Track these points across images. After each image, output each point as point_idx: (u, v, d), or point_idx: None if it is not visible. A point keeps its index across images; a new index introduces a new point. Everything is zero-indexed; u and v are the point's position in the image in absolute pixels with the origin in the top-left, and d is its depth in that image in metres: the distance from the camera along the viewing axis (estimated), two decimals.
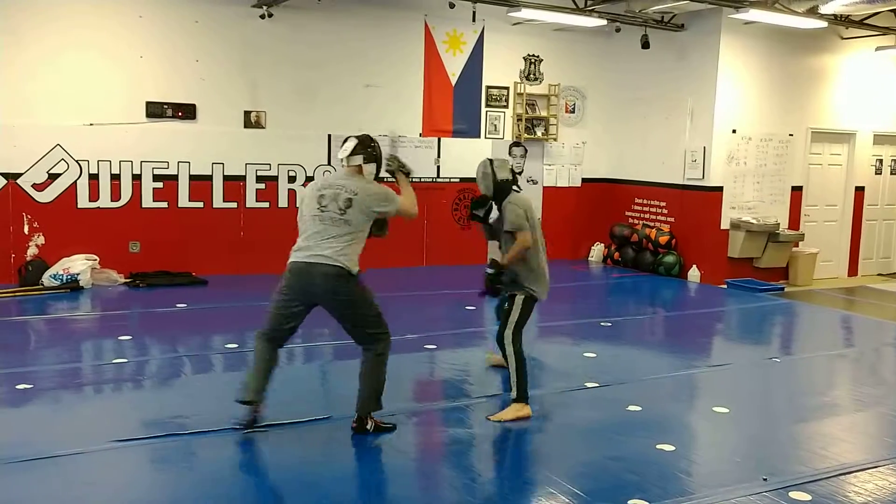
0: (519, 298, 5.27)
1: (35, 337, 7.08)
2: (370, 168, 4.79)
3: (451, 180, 10.94)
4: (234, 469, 4.33)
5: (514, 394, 5.13)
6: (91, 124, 8.84)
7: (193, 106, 9.29)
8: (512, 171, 5.53)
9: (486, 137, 11.11)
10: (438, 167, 10.83)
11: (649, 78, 11.24)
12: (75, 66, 8.71)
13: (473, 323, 8.18)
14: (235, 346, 6.58)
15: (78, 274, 8.56)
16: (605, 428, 4.99)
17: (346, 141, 4.85)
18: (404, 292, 9.03)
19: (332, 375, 6.18)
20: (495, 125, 11.16)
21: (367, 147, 4.79)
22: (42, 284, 8.49)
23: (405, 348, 6.71)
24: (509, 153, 11.29)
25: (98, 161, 8.93)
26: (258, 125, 9.67)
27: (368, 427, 4.67)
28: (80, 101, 8.77)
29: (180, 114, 9.23)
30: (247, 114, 9.60)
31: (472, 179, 10.74)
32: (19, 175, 8.62)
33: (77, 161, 8.84)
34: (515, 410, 5.08)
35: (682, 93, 10.74)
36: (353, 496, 3.95)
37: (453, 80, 10.78)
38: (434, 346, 6.74)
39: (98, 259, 8.82)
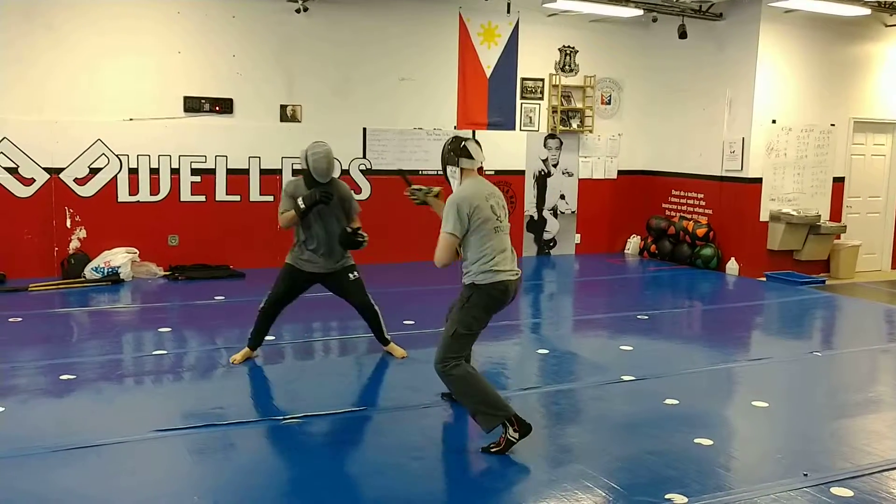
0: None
1: (77, 329, 7.21)
2: None
3: (486, 173, 10.87)
4: (272, 460, 4.37)
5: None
6: (131, 119, 8.97)
7: (230, 100, 9.38)
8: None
9: (521, 130, 11.07)
10: None
11: (687, 68, 11.10)
12: (115, 61, 8.84)
13: (508, 316, 8.14)
14: (272, 338, 6.63)
15: (119, 267, 8.70)
16: (642, 422, 4.95)
17: (464, 142, 4.60)
18: (433, 286, 9.01)
19: (367, 368, 6.20)
20: (530, 117, 11.11)
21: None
22: (84, 277, 8.65)
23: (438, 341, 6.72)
24: (544, 145, 11.23)
25: (137, 156, 9.06)
26: (294, 119, 9.73)
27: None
28: (120, 97, 8.90)
29: (217, 108, 9.32)
30: (283, 108, 9.67)
31: (508, 172, 10.94)
32: (61, 170, 8.78)
33: (117, 156, 8.98)
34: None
35: (721, 83, 10.59)
36: (389, 486, 3.97)
37: (488, 73, 10.75)
38: None
39: (138, 252, 8.96)
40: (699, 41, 10.55)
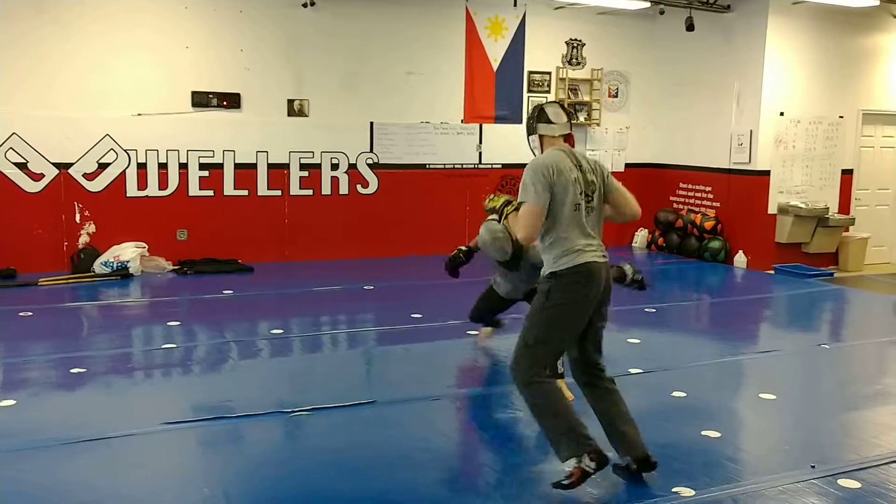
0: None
1: (87, 323, 7.25)
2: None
3: (494, 166, 10.92)
4: (281, 452, 4.39)
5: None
6: (139, 114, 9.00)
7: (238, 95, 9.40)
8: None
9: None
10: (480, 153, 10.81)
11: (694, 61, 11.06)
12: (123, 56, 8.87)
13: (517, 309, 8.15)
14: (281, 331, 6.66)
15: (128, 261, 8.74)
16: (650, 414, 4.93)
17: (543, 106, 4.07)
18: (447, 279, 9.04)
19: (375, 361, 6.22)
20: None
21: (571, 113, 4.33)
22: (93, 271, 8.69)
23: (449, 334, 6.76)
24: None
25: (146, 150, 9.10)
26: (301, 114, 9.74)
27: (653, 459, 3.97)
28: (128, 92, 8.93)
29: (225, 103, 9.34)
30: (290, 102, 9.69)
31: (515, 165, 10.93)
32: (70, 165, 8.82)
33: (126, 151, 9.01)
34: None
35: (728, 75, 10.56)
36: (396, 477, 3.99)
37: (495, 66, 10.73)
38: (476, 332, 6.73)
39: (147, 247, 9.00)
40: (707, 33, 10.51)
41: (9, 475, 3.88)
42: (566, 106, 4.12)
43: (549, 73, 11.08)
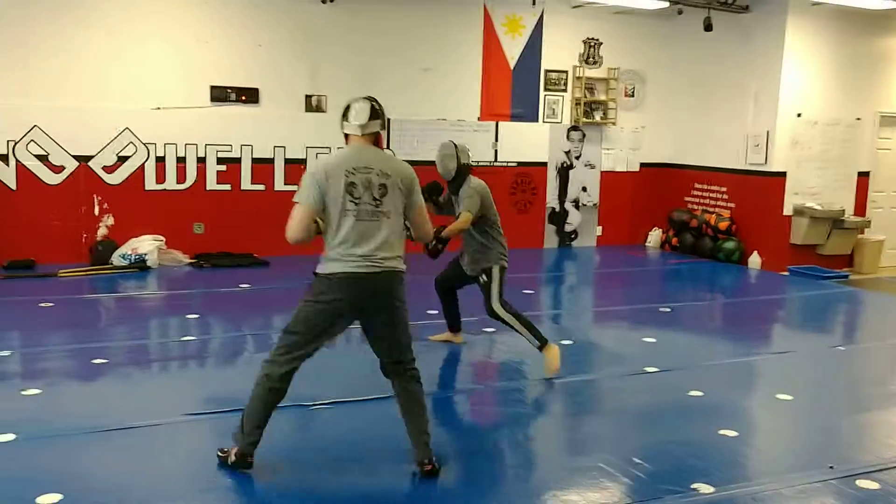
0: (494, 269, 5.75)
1: (106, 314, 7.32)
2: (383, 134, 4.04)
3: (509, 164, 10.94)
4: (301, 445, 4.43)
5: (537, 343, 5.58)
6: (158, 108, 9.06)
7: (256, 90, 9.45)
8: (468, 156, 5.89)
9: (544, 122, 11.07)
10: (496, 151, 10.83)
11: (711, 61, 11.05)
12: (142, 50, 8.94)
13: (531, 307, 8.19)
14: None
15: (146, 254, 8.81)
16: (666, 413, 4.98)
17: (350, 106, 3.93)
18: None
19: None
20: (553, 109, 11.11)
21: (381, 110, 3.93)
22: (112, 264, 8.77)
23: (464, 330, 6.77)
24: (567, 137, 11.23)
25: (164, 144, 9.16)
26: (319, 109, 9.79)
27: (438, 465, 3.97)
28: (148, 86, 8.99)
29: (243, 98, 9.40)
30: (308, 98, 9.74)
31: (531, 164, 10.96)
32: (90, 158, 8.89)
33: (145, 144, 9.08)
34: (550, 352, 5.55)
35: (746, 76, 10.55)
36: (398, 470, 4.02)
37: (512, 64, 10.76)
38: (493, 330, 6.77)
39: (164, 240, 9.07)
40: (725, 34, 10.50)
41: (35, 462, 3.94)
42: (377, 106, 3.94)
43: (566, 72, 11.09)
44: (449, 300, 6.35)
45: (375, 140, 3.91)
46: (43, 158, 8.69)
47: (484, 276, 5.77)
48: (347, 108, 3.93)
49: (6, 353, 5.75)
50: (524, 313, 5.78)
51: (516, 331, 5.67)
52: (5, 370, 5.46)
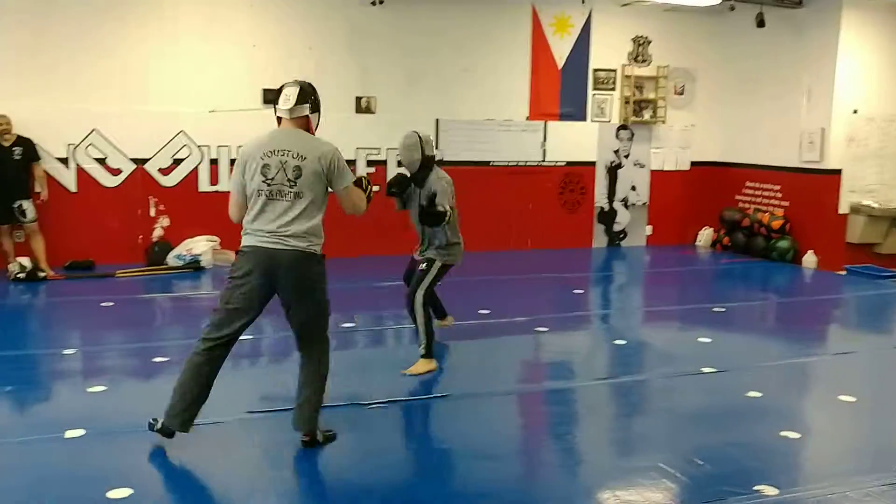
0: (436, 264, 5.66)
1: (163, 314, 7.47)
2: (316, 119, 4.13)
3: (557, 164, 10.90)
4: (359, 442, 4.47)
5: (423, 349, 5.54)
6: (212, 111, 9.21)
7: None
8: (433, 148, 5.79)
9: (592, 121, 11.01)
10: (544, 151, 10.80)
11: (764, 57, 10.87)
12: (198, 55, 9.10)
13: (581, 307, 8.18)
14: (352, 325, 6.77)
15: (200, 255, 8.97)
16: (725, 413, 4.93)
17: (280, 89, 4.06)
18: (510, 275, 9.11)
19: (446, 355, 6.28)
20: (602, 108, 11.04)
21: (313, 95, 4.08)
22: (167, 264, 8.94)
23: (514, 330, 6.79)
24: (616, 136, 11.16)
25: (218, 147, 9.32)
26: (369, 110, 9.86)
27: (320, 439, 4.22)
28: (202, 89, 9.15)
29: None
30: (358, 99, 9.82)
31: (580, 163, 10.91)
32: (146, 160, 9.08)
33: (199, 147, 9.25)
34: (425, 364, 5.51)
35: (799, 72, 10.36)
36: (474, 469, 4.03)
37: (560, 64, 10.71)
38: (545, 329, 6.76)
39: (218, 240, 9.22)
40: (777, 29, 10.33)
41: (104, 457, 4.04)
42: (308, 90, 4.06)
43: (615, 71, 11.01)
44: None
45: (307, 124, 4.06)
46: (101, 161, 8.89)
47: (425, 265, 5.69)
48: (279, 92, 4.05)
49: (71, 351, 5.91)
50: (433, 322, 5.74)
51: (416, 327, 5.61)
52: (70, 368, 5.61)
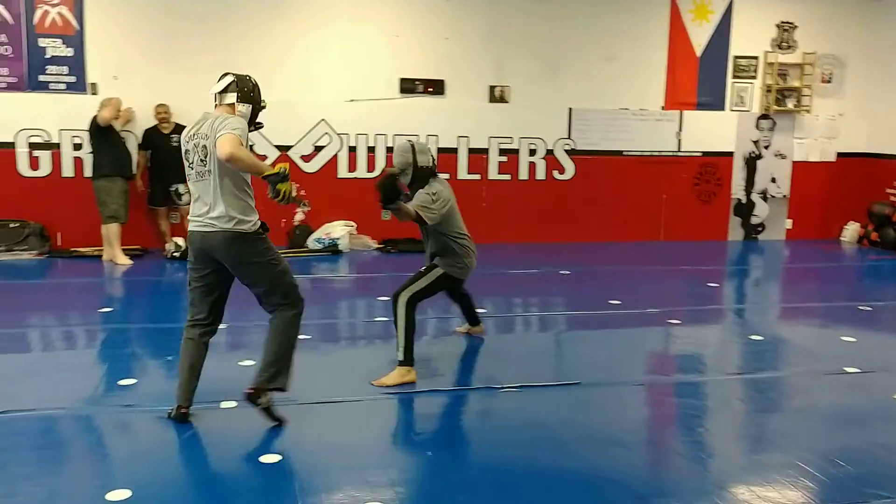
0: (437, 271, 5.30)
1: (303, 293, 7.82)
2: (244, 109, 4.21)
3: (693, 154, 10.66)
4: (494, 424, 4.59)
5: (400, 356, 5.05)
6: (351, 100, 9.55)
7: (442, 82, 9.75)
8: (432, 157, 5.40)
9: (731, 110, 10.69)
10: (679, 141, 10.58)
11: None
12: (339, 45, 9.46)
13: (715, 300, 7.99)
14: (483, 311, 6.88)
15: (338, 239, 9.35)
16: (870, 415, 4.74)
17: (221, 77, 4.24)
18: (642, 266, 9.01)
19: (577, 344, 6.31)
20: (742, 97, 10.70)
21: (244, 87, 4.21)
22: (307, 247, 9.36)
23: (646, 322, 6.74)
24: (756, 126, 10.79)
25: (356, 135, 9.66)
26: (502, 100, 9.96)
27: (261, 402, 4.21)
28: (342, 79, 9.51)
29: (430, 89, 9.72)
30: (492, 88, 9.93)
31: (717, 153, 10.62)
32: (290, 147, 9.52)
33: (339, 134, 9.61)
34: (401, 374, 5.01)
35: None
36: (605, 456, 4.07)
37: (698, 52, 10.45)
38: (678, 322, 6.67)
39: (355, 225, 9.57)
40: None
41: (256, 426, 4.31)
42: (241, 83, 4.21)
43: (756, 58, 10.64)
44: (458, 298, 6.00)
45: (234, 112, 4.16)
46: (250, 148, 9.35)
47: (424, 269, 5.34)
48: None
49: (223, 325, 6.29)
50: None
51: (396, 332, 5.13)
52: (223, 341, 5.98)
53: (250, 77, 4.27)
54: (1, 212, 8.80)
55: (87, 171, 8.73)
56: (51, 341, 6.20)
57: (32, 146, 8.87)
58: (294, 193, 4.31)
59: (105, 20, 8.93)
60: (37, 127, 8.86)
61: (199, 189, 4.09)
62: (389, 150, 9.73)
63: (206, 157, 4.02)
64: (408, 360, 5.04)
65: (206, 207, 4.07)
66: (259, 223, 4.18)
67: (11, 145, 8.82)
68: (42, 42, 8.79)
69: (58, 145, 8.93)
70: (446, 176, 5.36)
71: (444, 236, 5.31)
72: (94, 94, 8.86)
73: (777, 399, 5.14)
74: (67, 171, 8.98)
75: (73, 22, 8.84)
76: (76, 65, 8.90)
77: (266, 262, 4.19)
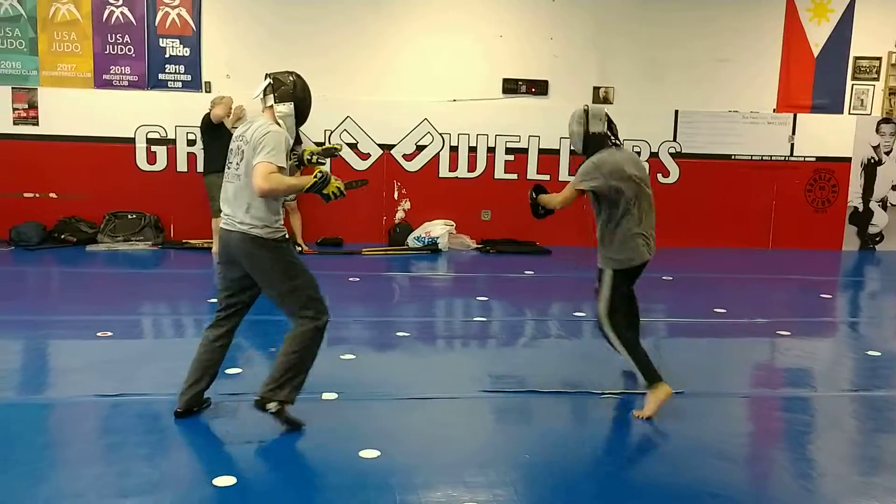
0: (607, 274, 4.65)
1: (403, 291, 7.93)
2: (285, 108, 4.08)
3: (806, 159, 10.23)
4: (586, 430, 4.52)
5: (642, 380, 4.55)
6: (454, 100, 9.59)
7: (546, 82, 9.68)
8: (610, 122, 4.82)
9: (849, 113, 10.21)
10: (792, 145, 10.18)
11: None
12: (443, 46, 9.52)
13: (828, 312, 7.66)
14: (582, 314, 6.80)
15: (437, 237, 9.41)
16: None
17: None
18: (750, 274, 8.72)
19: (679, 352, 6.15)
20: (862, 99, 10.20)
21: (281, 86, 4.08)
22: (407, 245, 9.46)
23: (753, 332, 6.51)
24: (877, 130, 10.27)
25: (458, 134, 9.70)
26: (606, 101, 9.80)
27: (271, 409, 4.10)
28: (445, 79, 9.57)
29: (533, 90, 9.67)
30: (595, 90, 9.79)
31: (833, 158, 10.17)
32: (392, 146, 9.64)
33: (440, 134, 9.67)
34: (656, 398, 4.50)
35: None
36: (710, 468, 3.95)
37: (815, 52, 10.03)
38: (787, 333, 6.41)
39: (454, 224, 9.61)
40: None
41: (355, 420, 4.38)
42: (277, 83, 4.10)
43: (880, 59, 10.13)
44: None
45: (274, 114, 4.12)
46: (353, 146, 9.56)
47: (597, 282, 4.79)
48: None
49: None
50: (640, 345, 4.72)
51: (621, 356, 4.66)
52: (330, 336, 6.11)
53: (291, 73, 4.16)
54: (120, 204, 9.25)
55: (200, 167, 9.06)
56: (162, 329, 6.47)
57: (150, 142, 9.29)
58: (341, 185, 4.16)
59: (219, 22, 9.26)
60: (154, 123, 9.27)
61: (230, 189, 4.14)
62: (490, 150, 9.75)
63: (241, 160, 4.04)
64: (652, 379, 4.53)
65: (233, 208, 4.10)
66: (283, 232, 4.14)
67: (132, 140, 9.26)
68: (162, 42, 9.19)
69: (173, 141, 9.31)
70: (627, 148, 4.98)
71: (612, 216, 4.67)
72: (207, 92, 9.20)
73: (895, 419, 4.87)
74: (181, 165, 9.36)
75: (191, 23, 9.21)
76: (192, 64, 9.27)
77: (280, 272, 4.09)
